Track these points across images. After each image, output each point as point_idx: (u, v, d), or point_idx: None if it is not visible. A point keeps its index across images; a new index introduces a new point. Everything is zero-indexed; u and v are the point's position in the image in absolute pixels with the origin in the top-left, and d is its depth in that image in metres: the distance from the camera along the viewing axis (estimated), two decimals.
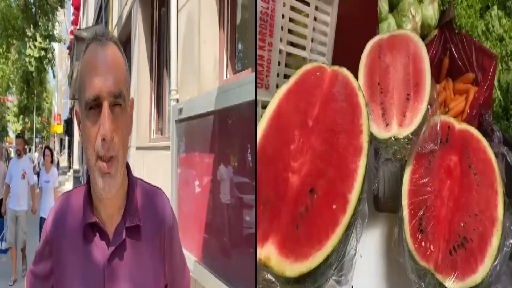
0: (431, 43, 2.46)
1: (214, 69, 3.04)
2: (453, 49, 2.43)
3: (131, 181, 0.95)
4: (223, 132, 2.30)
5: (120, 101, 0.84)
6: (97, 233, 0.90)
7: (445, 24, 2.36)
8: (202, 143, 2.56)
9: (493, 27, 2.42)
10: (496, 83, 2.29)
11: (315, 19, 1.61)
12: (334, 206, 1.10)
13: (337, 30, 1.77)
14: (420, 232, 1.24)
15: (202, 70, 3.06)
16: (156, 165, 4.12)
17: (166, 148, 3.47)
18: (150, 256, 0.93)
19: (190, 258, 2.46)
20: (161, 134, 4.95)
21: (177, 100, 3.45)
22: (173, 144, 3.04)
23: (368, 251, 1.54)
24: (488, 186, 1.30)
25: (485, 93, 2.06)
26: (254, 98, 1.62)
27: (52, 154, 5.62)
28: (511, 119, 2.31)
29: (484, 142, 1.42)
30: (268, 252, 1.06)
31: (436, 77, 2.50)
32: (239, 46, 2.99)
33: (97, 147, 0.82)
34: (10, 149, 21.85)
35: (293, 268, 1.04)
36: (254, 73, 1.61)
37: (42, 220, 5.20)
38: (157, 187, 1.01)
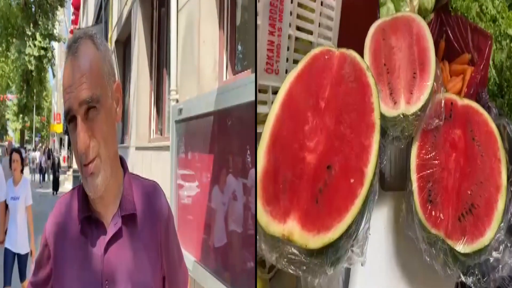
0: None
1: (213, 69, 3.07)
2: (449, 32, 2.50)
3: (126, 172, 0.99)
4: (223, 133, 2.32)
5: (93, 104, 0.88)
6: (94, 226, 0.95)
7: (441, 8, 2.43)
8: (201, 144, 2.57)
9: (486, 8, 2.50)
10: (490, 62, 2.37)
11: (321, 3, 1.67)
12: (352, 180, 1.17)
13: (340, 14, 1.83)
14: (430, 202, 1.32)
15: (202, 70, 3.09)
16: (155, 165, 4.14)
17: (166, 148, 3.48)
18: (147, 244, 0.96)
19: (190, 258, 2.47)
20: (161, 134, 4.98)
21: (177, 101, 3.48)
22: (173, 144, 3.05)
23: (375, 229, 1.61)
24: (492, 156, 1.38)
25: (481, 72, 2.14)
26: (254, 99, 1.65)
27: (22, 159, 4.10)
28: (506, 97, 2.40)
29: (486, 115, 1.51)
30: (290, 227, 1.10)
31: None
32: (239, 47, 3.01)
33: (79, 156, 0.89)
34: None
35: (316, 240, 1.09)
36: (254, 74, 1.63)
37: (7, 253, 3.88)
38: (152, 180, 1.06)
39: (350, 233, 1.14)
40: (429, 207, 1.31)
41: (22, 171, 4.03)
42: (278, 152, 1.30)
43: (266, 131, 1.30)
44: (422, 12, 2.44)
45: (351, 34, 1.90)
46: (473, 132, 1.46)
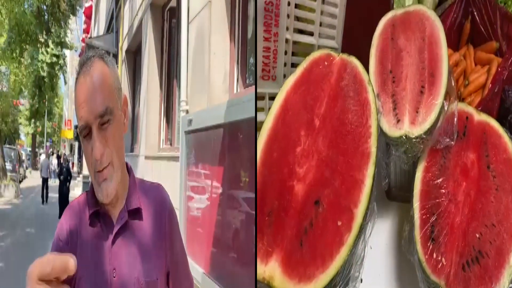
0: (451, 6, 2.27)
1: (224, 81, 3.05)
2: (475, 14, 2.24)
3: (131, 174, 1.06)
4: (233, 146, 2.33)
5: (107, 117, 0.94)
6: (102, 220, 1.01)
7: None
8: (211, 156, 2.59)
9: None
10: None
11: (323, 1, 1.47)
12: (339, 223, 1.04)
13: (346, 7, 1.62)
14: (432, 241, 1.17)
15: (212, 82, 3.08)
16: (164, 175, 4.16)
17: (175, 158, 3.51)
18: (153, 238, 1.02)
19: (198, 270, 2.49)
20: (170, 144, 4.98)
21: (187, 111, 3.48)
22: (182, 155, 3.06)
23: (378, 243, 1.49)
24: (509, 192, 1.20)
25: (509, 67, 1.91)
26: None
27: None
28: None
29: (506, 138, 1.31)
30: (272, 270, 1.02)
31: (456, 43, 2.33)
32: (250, 60, 2.95)
33: (93, 165, 0.95)
34: (22, 151, 21.99)
35: None
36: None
37: None
38: (155, 182, 1.13)
39: (334, 284, 1.02)
40: (431, 246, 1.16)
41: None
42: (267, 176, 1.18)
43: (259, 149, 1.20)
44: None
45: (359, 29, 1.69)
46: (489, 158, 1.27)
